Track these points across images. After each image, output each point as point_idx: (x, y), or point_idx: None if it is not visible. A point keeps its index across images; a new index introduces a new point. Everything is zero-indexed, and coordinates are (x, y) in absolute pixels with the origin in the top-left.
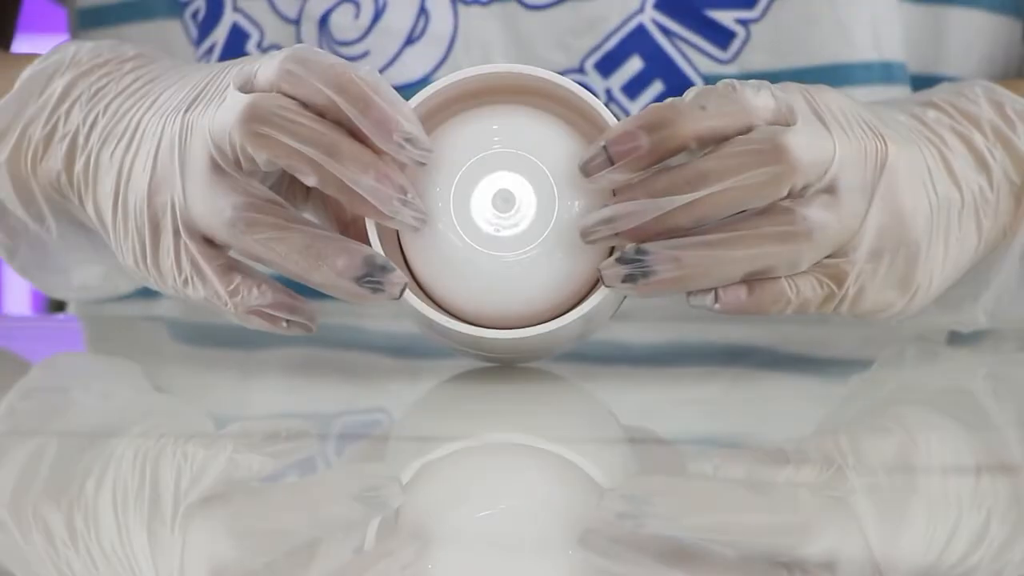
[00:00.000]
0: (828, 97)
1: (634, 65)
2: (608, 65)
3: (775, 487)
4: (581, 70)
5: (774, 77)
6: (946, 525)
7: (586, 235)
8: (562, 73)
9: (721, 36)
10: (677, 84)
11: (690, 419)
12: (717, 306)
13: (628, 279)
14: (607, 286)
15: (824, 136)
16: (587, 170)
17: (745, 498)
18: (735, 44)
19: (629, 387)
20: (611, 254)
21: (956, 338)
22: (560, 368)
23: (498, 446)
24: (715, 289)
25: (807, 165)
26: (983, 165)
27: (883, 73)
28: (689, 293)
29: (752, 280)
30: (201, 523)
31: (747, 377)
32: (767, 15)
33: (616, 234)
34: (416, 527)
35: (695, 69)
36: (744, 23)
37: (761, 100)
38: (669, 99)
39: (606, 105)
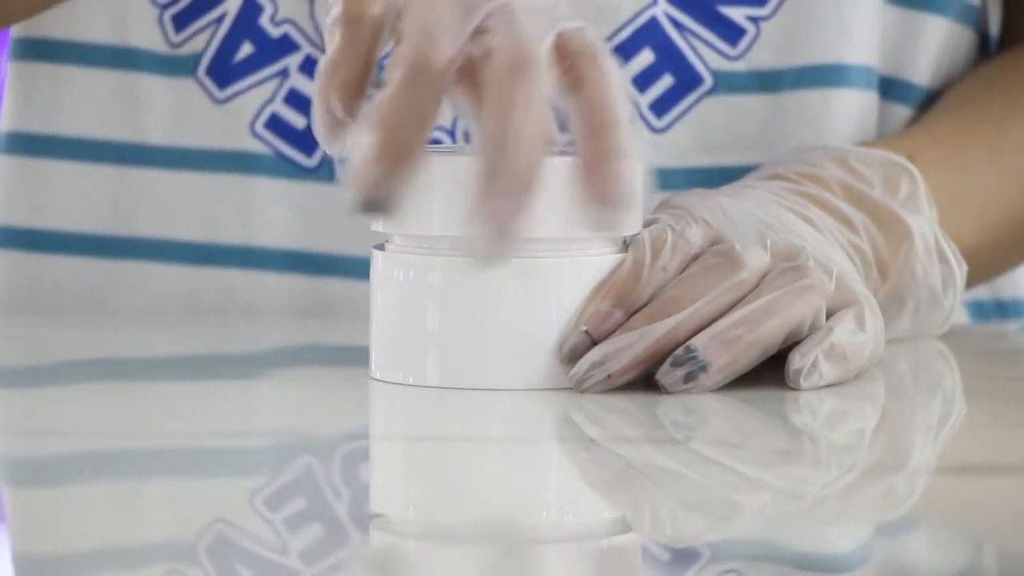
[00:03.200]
0: (724, 202)
1: (645, 58)
2: (619, 56)
3: (775, 486)
4: None
5: (780, 75)
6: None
7: (580, 384)
8: None
9: (732, 32)
10: (686, 79)
11: (690, 419)
12: (806, 383)
13: (689, 378)
14: (671, 392)
15: (752, 239)
16: (573, 355)
17: (746, 495)
18: (744, 41)
19: (627, 387)
20: None
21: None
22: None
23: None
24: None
25: (760, 261)
26: (845, 222)
27: (867, 77)
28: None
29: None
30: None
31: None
32: (778, 12)
33: (609, 376)
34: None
35: (705, 64)
36: (755, 20)
37: (698, 236)
38: (631, 262)
39: None
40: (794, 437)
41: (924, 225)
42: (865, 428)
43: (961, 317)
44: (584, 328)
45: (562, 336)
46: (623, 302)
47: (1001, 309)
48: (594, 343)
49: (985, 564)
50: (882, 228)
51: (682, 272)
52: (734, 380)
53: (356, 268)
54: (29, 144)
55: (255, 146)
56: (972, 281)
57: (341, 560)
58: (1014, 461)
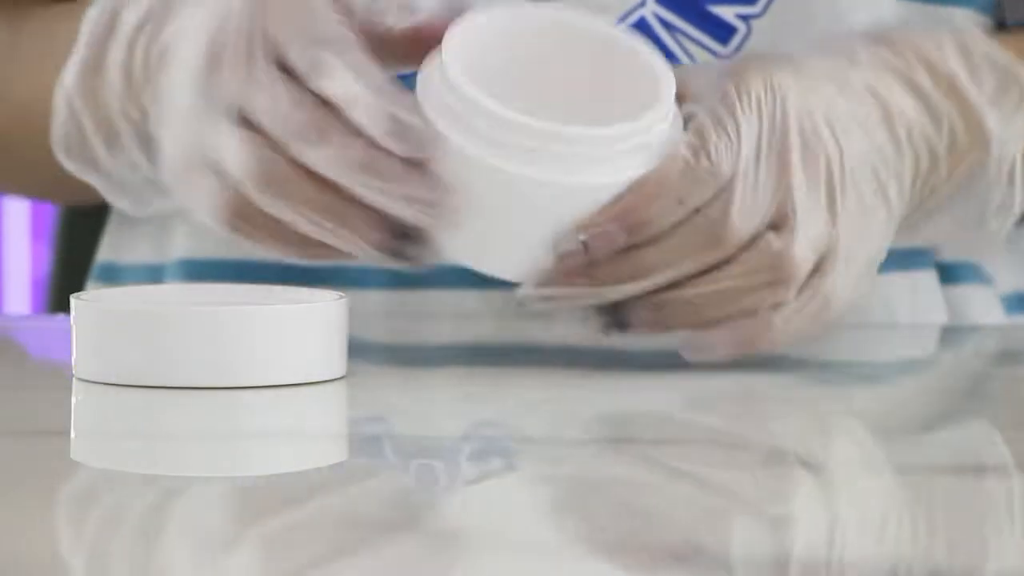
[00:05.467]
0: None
1: None
2: None
3: (764, 487)
4: None
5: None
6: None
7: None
8: None
9: (722, 31)
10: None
11: (691, 420)
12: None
13: (608, 330)
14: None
15: (762, 203)
16: (561, 260)
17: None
18: (735, 39)
19: (626, 388)
20: None
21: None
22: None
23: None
24: None
25: (745, 236)
26: (932, 116)
27: None
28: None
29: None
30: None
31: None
32: (768, 10)
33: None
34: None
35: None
36: (745, 18)
37: (728, 167)
38: (653, 182)
39: None
40: (784, 439)
41: (1010, 142)
42: (862, 428)
43: (998, 311)
44: (583, 238)
45: (558, 237)
46: (631, 224)
47: None
48: (586, 251)
49: (984, 563)
50: (967, 127)
51: (683, 220)
52: (718, 378)
53: (354, 276)
54: None
55: None
56: None
57: (340, 557)
58: (1013, 461)
